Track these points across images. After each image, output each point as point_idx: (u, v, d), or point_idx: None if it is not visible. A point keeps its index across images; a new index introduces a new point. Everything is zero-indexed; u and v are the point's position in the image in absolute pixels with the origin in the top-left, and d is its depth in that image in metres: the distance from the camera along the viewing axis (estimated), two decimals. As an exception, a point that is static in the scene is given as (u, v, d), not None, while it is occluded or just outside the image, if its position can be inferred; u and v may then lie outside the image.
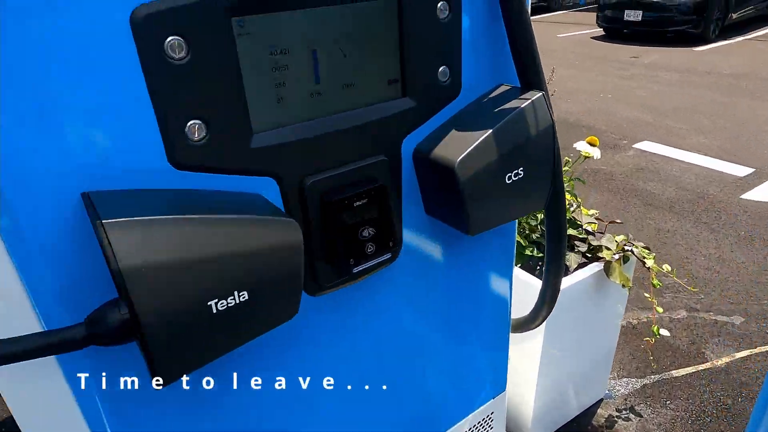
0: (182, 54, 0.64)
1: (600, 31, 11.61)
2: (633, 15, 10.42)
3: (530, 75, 0.93)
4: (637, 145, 5.27)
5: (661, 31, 10.46)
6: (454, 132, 0.90)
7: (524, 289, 1.80)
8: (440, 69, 0.89)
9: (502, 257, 1.18)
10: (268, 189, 0.78)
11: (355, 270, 0.84)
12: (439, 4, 0.84)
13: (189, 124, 0.68)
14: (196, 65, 0.65)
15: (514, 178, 0.90)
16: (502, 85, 0.99)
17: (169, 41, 0.63)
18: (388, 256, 0.88)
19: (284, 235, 0.67)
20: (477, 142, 0.85)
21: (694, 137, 5.39)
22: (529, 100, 0.90)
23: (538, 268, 1.97)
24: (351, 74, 0.82)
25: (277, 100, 0.76)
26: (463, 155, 0.84)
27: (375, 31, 0.82)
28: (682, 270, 3.23)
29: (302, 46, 0.76)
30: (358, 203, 0.83)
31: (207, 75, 0.67)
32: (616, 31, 11.28)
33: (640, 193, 4.27)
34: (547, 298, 1.25)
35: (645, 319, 2.85)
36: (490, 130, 0.87)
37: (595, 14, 11.64)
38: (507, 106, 0.91)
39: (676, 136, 5.45)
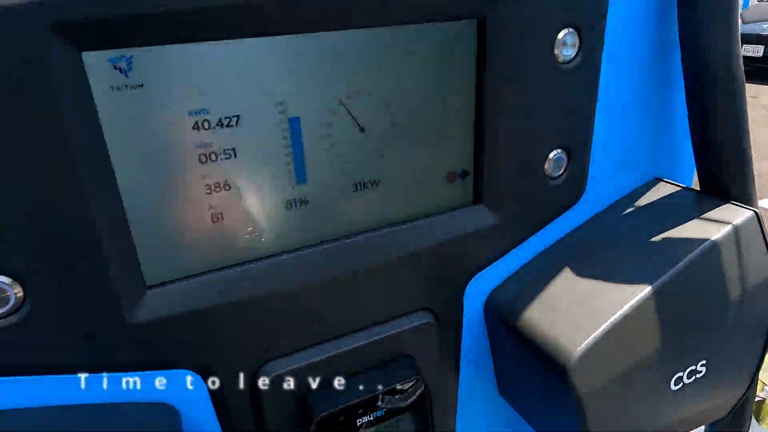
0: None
1: (710, 66, 10.52)
2: (752, 50, 9.31)
3: (730, 171, 0.48)
4: (763, 203, 4.45)
5: (786, 68, 9.28)
6: (568, 276, 0.47)
7: None
8: (551, 154, 0.47)
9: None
10: (177, 393, 0.39)
11: None
12: (560, 35, 0.42)
13: (-25, 284, 0.30)
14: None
15: (686, 381, 0.45)
16: (659, 182, 0.54)
17: None
18: None
19: None
20: (617, 315, 0.42)
21: (836, 197, 4.48)
22: (729, 226, 0.45)
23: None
24: (372, 163, 0.42)
25: (211, 218, 0.37)
26: (586, 343, 0.41)
27: (425, 78, 0.41)
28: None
29: (270, 108, 0.37)
30: (366, 418, 0.42)
31: (14, 174, 0.29)
32: (729, 67, 10.15)
33: None
34: None
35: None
36: (647, 287, 0.43)
37: (705, 48, 10.58)
38: (679, 232, 0.46)
39: (810, 195, 4.56)
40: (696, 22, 0.45)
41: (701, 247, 0.44)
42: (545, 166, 0.47)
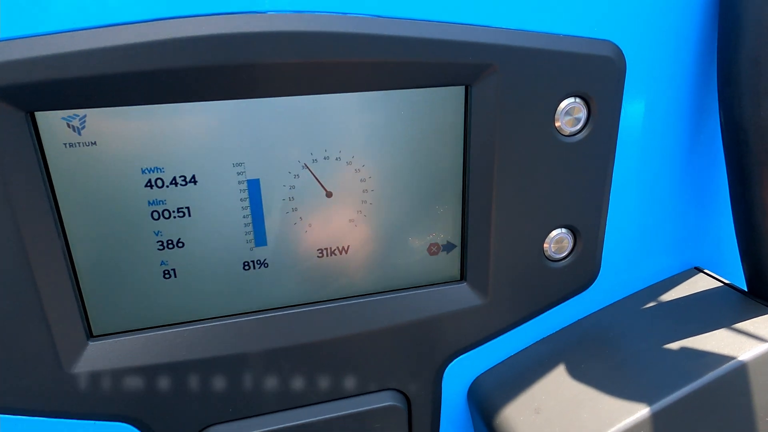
0: None
1: None
2: None
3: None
4: None
5: None
6: (562, 374, 0.41)
7: None
8: (552, 234, 0.42)
9: None
10: (118, 446, 0.38)
11: None
12: (562, 105, 0.38)
13: None
14: None
15: None
16: (698, 272, 0.46)
17: None
18: None
19: None
20: (620, 426, 0.35)
21: None
22: (765, 345, 0.37)
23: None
24: (340, 229, 0.39)
25: (162, 274, 0.37)
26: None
27: (405, 143, 0.38)
28: None
29: (226, 169, 0.36)
30: (306, 504, 0.39)
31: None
32: None
33: None
34: None
35: None
36: (647, 408, 0.36)
37: None
38: (704, 341, 0.39)
39: None
40: (739, 96, 0.38)
41: (726, 365, 0.36)
42: (545, 246, 0.42)
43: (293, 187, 0.37)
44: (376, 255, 0.41)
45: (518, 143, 0.38)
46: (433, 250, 0.42)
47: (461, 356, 0.44)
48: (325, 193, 0.38)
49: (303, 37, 0.32)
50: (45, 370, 0.35)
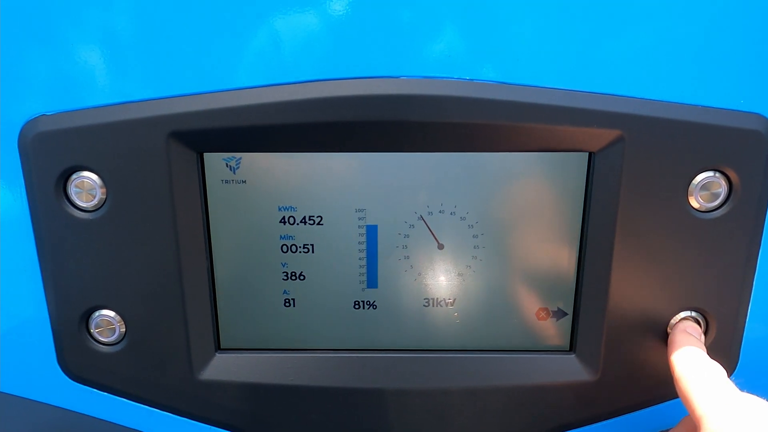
0: (95, 201, 0.37)
1: None
2: None
3: None
4: None
5: None
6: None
7: None
8: (678, 315, 0.38)
9: None
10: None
11: None
12: (697, 179, 0.35)
13: (95, 315, 0.39)
14: (118, 216, 0.37)
15: None
16: None
17: (76, 180, 0.36)
18: None
19: None
20: None
21: None
22: None
23: None
24: (449, 282, 0.40)
25: (283, 302, 0.41)
26: None
27: (520, 205, 0.39)
28: None
29: (349, 214, 0.39)
30: None
31: (135, 237, 0.37)
32: None
33: None
34: None
35: None
36: None
37: None
38: None
39: None
40: None
41: None
42: (669, 328, 0.38)
43: (407, 236, 0.39)
44: (482, 312, 0.41)
45: (644, 215, 0.36)
46: (542, 314, 0.41)
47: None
48: (437, 245, 0.40)
49: (436, 100, 0.34)
50: (178, 373, 0.40)
